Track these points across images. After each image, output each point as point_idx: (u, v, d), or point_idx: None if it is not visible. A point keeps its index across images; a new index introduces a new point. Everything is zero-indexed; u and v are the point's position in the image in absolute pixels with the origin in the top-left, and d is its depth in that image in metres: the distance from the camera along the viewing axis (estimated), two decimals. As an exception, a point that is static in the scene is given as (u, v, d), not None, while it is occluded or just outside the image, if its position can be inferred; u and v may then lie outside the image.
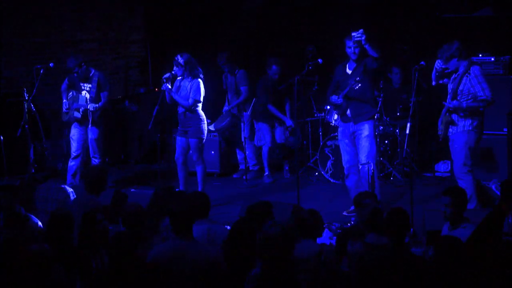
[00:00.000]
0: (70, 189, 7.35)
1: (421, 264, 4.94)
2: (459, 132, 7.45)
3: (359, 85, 7.78)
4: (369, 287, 4.88)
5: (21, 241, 5.40)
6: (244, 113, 10.11)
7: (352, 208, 8.06)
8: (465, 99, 7.36)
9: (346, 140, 8.07)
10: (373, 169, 7.83)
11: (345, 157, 8.14)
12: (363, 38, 7.56)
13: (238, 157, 10.46)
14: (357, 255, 5.41)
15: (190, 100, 8.39)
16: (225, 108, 10.27)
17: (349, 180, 8.14)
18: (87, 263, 5.29)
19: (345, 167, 8.16)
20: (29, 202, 7.27)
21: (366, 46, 7.63)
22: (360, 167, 7.95)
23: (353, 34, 7.71)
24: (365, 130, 7.91)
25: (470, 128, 7.41)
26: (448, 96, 7.51)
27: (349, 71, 7.95)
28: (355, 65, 7.90)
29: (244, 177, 9.95)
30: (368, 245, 5.54)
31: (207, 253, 5.13)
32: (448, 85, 7.58)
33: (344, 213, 8.11)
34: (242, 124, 10.14)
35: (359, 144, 7.96)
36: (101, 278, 5.06)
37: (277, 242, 4.67)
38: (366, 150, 7.89)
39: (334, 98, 8.03)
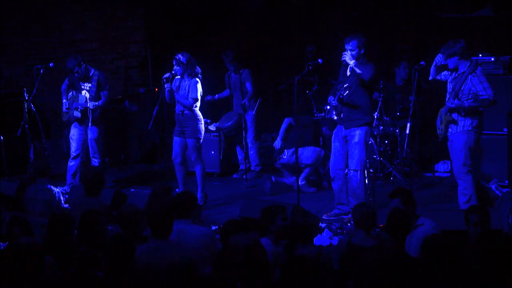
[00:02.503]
0: (56, 189, 7.33)
1: (420, 265, 4.94)
2: (459, 132, 7.43)
3: (347, 92, 7.73)
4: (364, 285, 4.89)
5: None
6: (249, 112, 10.11)
7: (333, 212, 8.05)
8: (465, 98, 7.35)
9: (337, 143, 8.01)
10: (365, 175, 7.85)
11: (332, 159, 8.07)
12: (349, 54, 7.60)
13: (239, 157, 10.45)
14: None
15: (190, 100, 8.39)
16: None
17: (334, 183, 8.09)
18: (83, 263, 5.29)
19: (331, 169, 8.10)
20: (21, 203, 7.26)
21: (354, 67, 7.61)
22: (348, 172, 7.95)
23: (345, 43, 7.72)
24: (356, 136, 7.83)
25: (470, 128, 7.40)
26: (448, 96, 7.49)
27: (348, 73, 7.91)
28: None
29: (244, 176, 9.95)
30: (353, 245, 5.57)
31: (183, 252, 5.12)
32: (448, 84, 7.55)
33: (325, 217, 8.02)
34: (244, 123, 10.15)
35: (349, 149, 7.92)
36: (99, 279, 5.06)
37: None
38: (355, 157, 7.83)
39: (330, 99, 8.01)
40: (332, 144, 8.13)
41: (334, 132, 8.12)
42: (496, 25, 9.78)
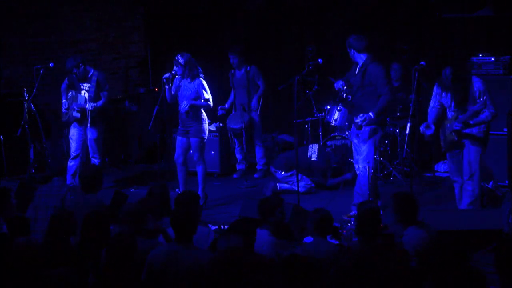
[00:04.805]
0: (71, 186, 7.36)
1: (391, 264, 4.94)
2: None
3: (350, 97, 7.78)
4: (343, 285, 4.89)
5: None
6: (255, 111, 10.10)
7: (353, 213, 8.08)
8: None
9: (355, 140, 8.08)
10: (370, 172, 7.86)
11: (354, 156, 8.17)
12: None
13: (257, 156, 10.37)
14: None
15: (209, 101, 8.44)
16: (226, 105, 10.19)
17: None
18: (85, 262, 5.29)
19: (354, 165, 8.20)
20: (27, 201, 7.25)
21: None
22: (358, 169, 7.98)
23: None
24: (365, 133, 7.88)
25: (482, 135, 7.43)
26: (448, 112, 7.50)
27: (356, 72, 7.96)
28: (359, 66, 7.90)
29: (244, 177, 9.95)
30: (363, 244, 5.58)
31: (202, 258, 5.09)
32: (443, 99, 7.56)
33: (345, 218, 8.05)
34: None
35: (359, 146, 7.96)
36: (100, 278, 5.06)
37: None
38: (362, 154, 7.89)
39: (339, 83, 8.12)
40: (352, 140, 8.23)
41: (352, 128, 8.17)
42: (496, 25, 9.78)
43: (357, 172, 8.08)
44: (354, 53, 7.83)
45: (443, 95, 7.52)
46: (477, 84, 7.34)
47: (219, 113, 10.13)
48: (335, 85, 8.02)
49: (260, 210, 6.02)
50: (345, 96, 7.86)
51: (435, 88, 7.60)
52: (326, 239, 5.75)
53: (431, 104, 7.69)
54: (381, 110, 7.77)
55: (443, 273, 4.58)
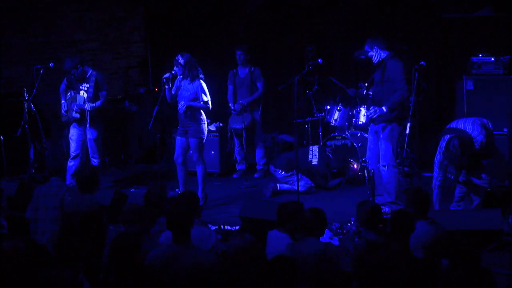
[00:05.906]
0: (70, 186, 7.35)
1: (423, 266, 4.93)
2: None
3: (371, 93, 7.87)
4: (369, 286, 4.89)
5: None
6: (255, 112, 10.10)
7: (384, 209, 8.08)
8: None
9: (371, 137, 8.14)
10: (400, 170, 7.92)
11: (367, 153, 8.22)
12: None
13: (257, 156, 10.37)
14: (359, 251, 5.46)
15: (208, 103, 8.44)
16: (237, 105, 10.14)
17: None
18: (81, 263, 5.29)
19: (367, 163, 8.22)
20: (27, 202, 7.25)
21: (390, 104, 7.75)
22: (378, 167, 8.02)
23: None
24: (383, 131, 7.93)
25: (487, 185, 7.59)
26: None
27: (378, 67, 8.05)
28: (379, 62, 7.99)
29: (244, 176, 9.95)
30: (369, 242, 5.56)
31: (201, 258, 5.07)
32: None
33: None
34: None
35: (379, 144, 8.00)
36: (99, 278, 5.06)
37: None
38: (382, 152, 7.97)
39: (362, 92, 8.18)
40: (368, 137, 8.30)
41: (370, 126, 8.20)
42: (496, 25, 9.78)
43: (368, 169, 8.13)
44: (378, 51, 7.88)
45: (450, 167, 7.55)
46: (479, 138, 7.38)
47: (233, 113, 10.09)
48: (348, 91, 8.10)
49: (280, 215, 5.96)
50: (365, 92, 7.96)
51: (439, 158, 7.60)
52: (318, 238, 5.73)
53: (436, 182, 7.68)
54: (394, 105, 7.77)
55: (454, 272, 4.59)
